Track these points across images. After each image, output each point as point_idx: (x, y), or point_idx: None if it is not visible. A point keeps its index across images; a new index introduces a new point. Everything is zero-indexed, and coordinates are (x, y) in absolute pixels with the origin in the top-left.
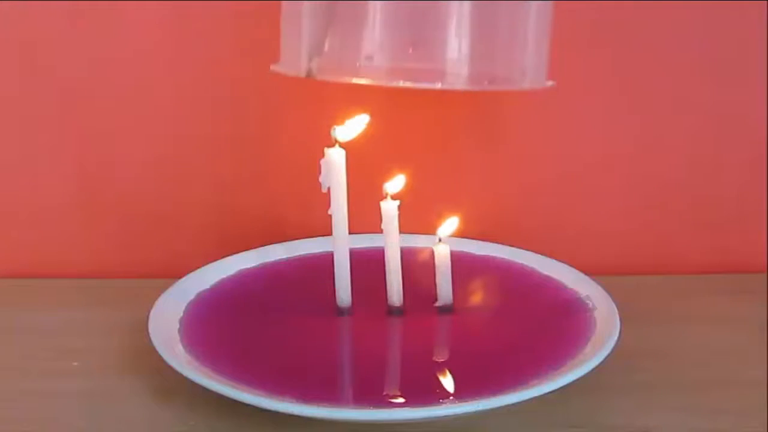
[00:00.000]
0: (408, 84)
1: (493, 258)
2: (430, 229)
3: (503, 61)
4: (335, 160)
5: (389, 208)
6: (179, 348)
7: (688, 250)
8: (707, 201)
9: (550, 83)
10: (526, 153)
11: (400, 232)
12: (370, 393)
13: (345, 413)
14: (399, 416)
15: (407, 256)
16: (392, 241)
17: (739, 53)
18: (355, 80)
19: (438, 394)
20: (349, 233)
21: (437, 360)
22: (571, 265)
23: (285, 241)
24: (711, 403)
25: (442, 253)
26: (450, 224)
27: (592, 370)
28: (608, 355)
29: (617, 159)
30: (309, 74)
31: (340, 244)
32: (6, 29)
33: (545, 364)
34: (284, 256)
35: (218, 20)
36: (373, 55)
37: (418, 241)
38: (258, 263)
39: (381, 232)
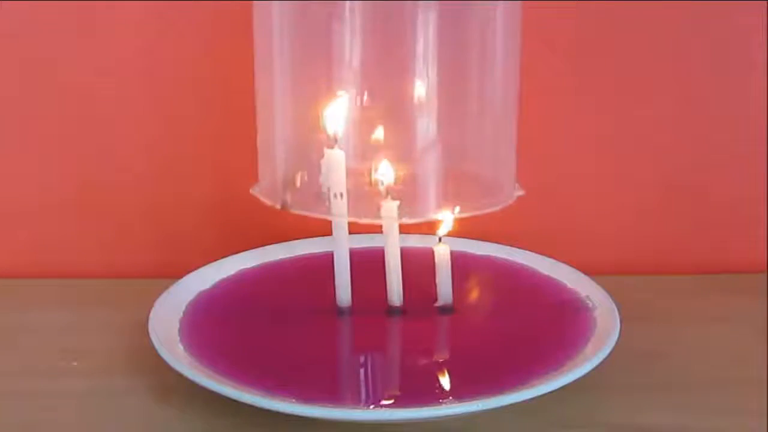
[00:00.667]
0: (377, 222)
1: (493, 258)
2: (430, 229)
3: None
4: (335, 160)
5: (389, 208)
6: (179, 348)
7: (688, 250)
8: (707, 201)
9: (519, 193)
10: (525, 153)
11: (400, 232)
12: (370, 393)
13: (345, 413)
14: (399, 416)
15: (407, 256)
16: (392, 241)
17: (739, 53)
18: (328, 217)
19: (438, 394)
20: (349, 233)
21: (437, 360)
22: (571, 265)
23: (285, 241)
24: (711, 403)
25: (442, 253)
26: (449, 224)
27: (592, 370)
28: (608, 355)
29: (617, 159)
30: (284, 207)
31: (340, 244)
32: (6, 29)
33: (545, 364)
34: (284, 256)
35: (218, 20)
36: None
37: (418, 241)
38: (258, 263)
39: (381, 232)
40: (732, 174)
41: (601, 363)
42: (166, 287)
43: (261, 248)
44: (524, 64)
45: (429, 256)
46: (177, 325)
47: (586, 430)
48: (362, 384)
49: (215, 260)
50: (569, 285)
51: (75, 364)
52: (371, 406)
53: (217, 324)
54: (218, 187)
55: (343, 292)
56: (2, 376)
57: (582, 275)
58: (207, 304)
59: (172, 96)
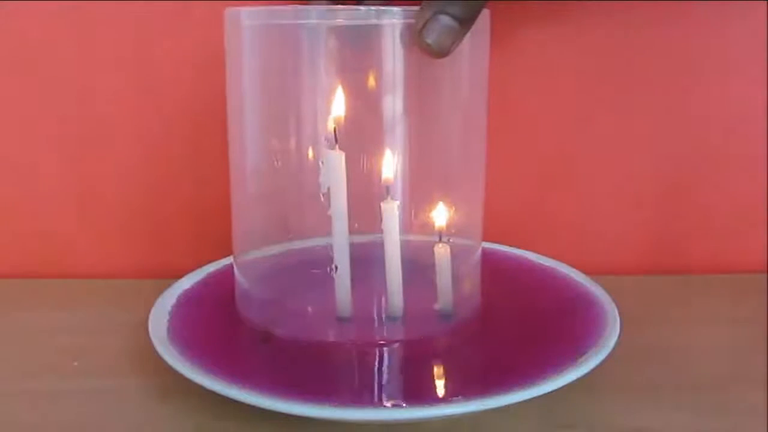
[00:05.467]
0: None
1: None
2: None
3: None
4: (335, 160)
5: (389, 208)
6: (179, 348)
7: (688, 250)
8: (707, 201)
9: None
10: (525, 153)
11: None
12: (370, 393)
13: (345, 413)
14: (399, 416)
15: (407, 256)
16: (392, 241)
17: (739, 53)
18: None
19: (438, 394)
20: (349, 233)
21: (437, 360)
22: (571, 265)
23: (285, 241)
24: (711, 403)
25: (443, 253)
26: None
27: (592, 370)
28: (608, 355)
29: (617, 159)
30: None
31: (340, 244)
32: (6, 29)
33: (545, 364)
34: (284, 256)
35: (215, 20)
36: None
37: (418, 241)
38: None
39: (381, 232)
40: (732, 174)
41: (601, 363)
42: (166, 287)
43: (261, 248)
44: (524, 64)
45: (429, 256)
46: (177, 325)
47: (586, 431)
48: (362, 384)
49: (214, 260)
50: (570, 285)
51: (75, 364)
52: (371, 406)
53: (217, 324)
54: (219, 186)
55: (343, 291)
56: (2, 376)
57: (582, 275)
58: (206, 303)
59: (175, 95)
